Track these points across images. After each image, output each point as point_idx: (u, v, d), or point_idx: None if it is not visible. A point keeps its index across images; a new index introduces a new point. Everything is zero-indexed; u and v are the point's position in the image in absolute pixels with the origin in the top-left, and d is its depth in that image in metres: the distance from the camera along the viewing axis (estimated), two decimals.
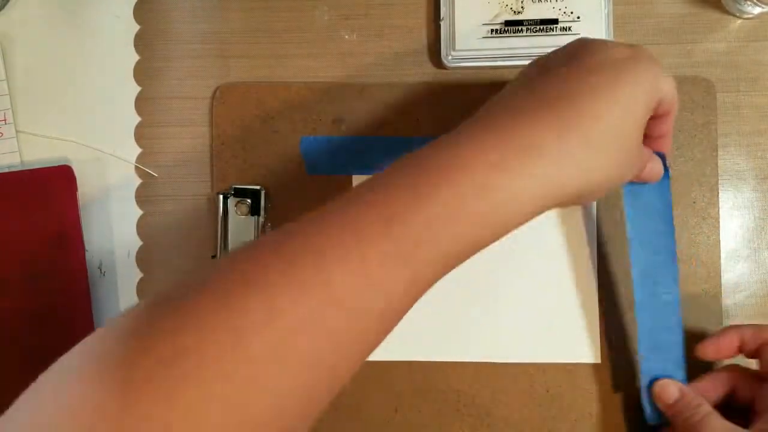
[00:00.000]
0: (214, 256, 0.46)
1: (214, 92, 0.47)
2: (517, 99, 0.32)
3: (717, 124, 0.46)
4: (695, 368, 0.42)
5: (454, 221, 0.28)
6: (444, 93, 0.46)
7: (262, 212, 0.46)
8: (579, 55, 0.33)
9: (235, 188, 0.46)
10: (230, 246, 0.46)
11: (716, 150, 0.46)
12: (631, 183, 0.40)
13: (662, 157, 0.39)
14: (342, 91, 0.46)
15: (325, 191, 0.46)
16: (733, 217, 0.46)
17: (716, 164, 0.46)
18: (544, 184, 0.29)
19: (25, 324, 0.45)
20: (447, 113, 0.46)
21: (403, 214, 0.27)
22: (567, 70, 0.32)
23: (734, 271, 0.45)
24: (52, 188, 0.45)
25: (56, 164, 0.46)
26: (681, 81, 0.46)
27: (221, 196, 0.46)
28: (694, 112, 0.46)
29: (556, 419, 0.45)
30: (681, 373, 0.42)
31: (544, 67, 0.34)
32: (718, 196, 0.45)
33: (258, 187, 0.46)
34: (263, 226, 0.46)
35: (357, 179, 0.46)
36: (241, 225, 0.46)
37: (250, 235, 0.46)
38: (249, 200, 0.46)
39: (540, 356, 0.45)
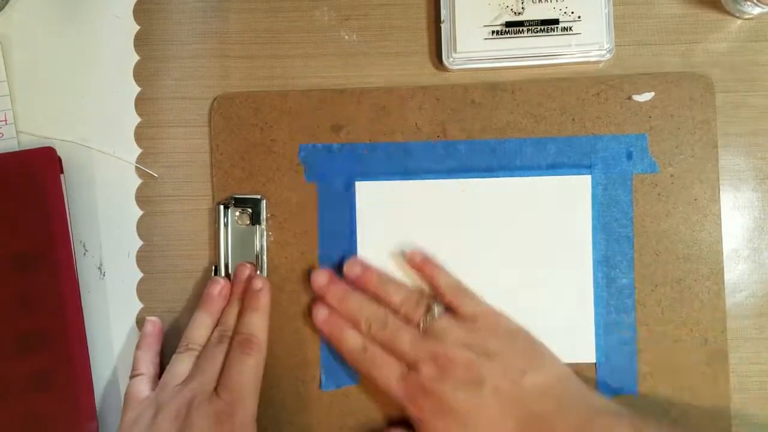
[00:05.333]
0: (215, 267, 0.46)
1: (212, 103, 0.47)
2: None
3: (716, 121, 0.46)
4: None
5: None
6: (443, 96, 0.46)
7: (263, 221, 0.46)
8: None
9: (235, 198, 0.46)
10: (231, 256, 0.46)
11: (716, 147, 0.46)
12: (599, 175, 0.45)
13: None
14: (340, 97, 0.47)
15: (326, 199, 0.46)
16: (733, 218, 0.46)
17: (717, 161, 0.46)
18: None
19: (11, 306, 0.45)
20: (446, 117, 0.46)
21: None
22: None
23: (734, 271, 0.46)
24: (37, 170, 0.45)
25: None
26: (679, 78, 0.46)
27: (221, 207, 0.45)
28: (693, 110, 0.46)
29: None
30: (632, 348, 0.45)
31: None
32: (719, 193, 0.45)
33: (258, 196, 0.46)
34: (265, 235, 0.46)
35: (360, 186, 0.46)
36: (242, 235, 0.46)
37: (251, 244, 0.46)
38: (250, 209, 0.46)
39: None
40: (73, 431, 0.44)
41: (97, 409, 0.45)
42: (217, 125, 0.47)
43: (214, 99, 0.47)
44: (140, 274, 0.47)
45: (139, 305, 0.47)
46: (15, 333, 0.45)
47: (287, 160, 0.46)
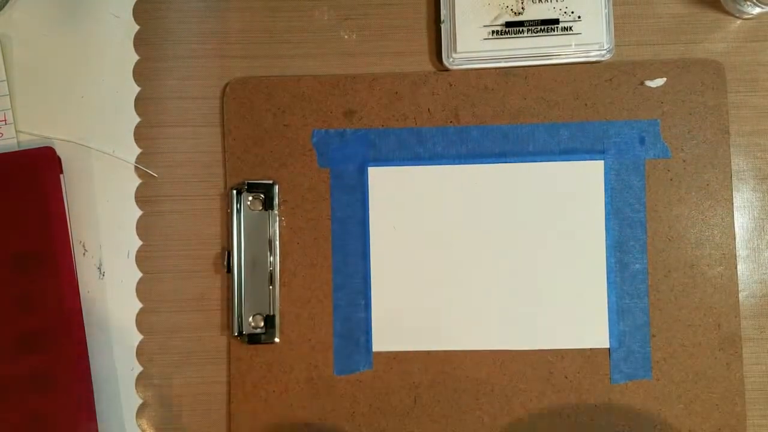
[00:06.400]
0: (228, 252, 0.46)
1: (224, 87, 0.47)
2: None
3: (728, 105, 0.46)
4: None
5: None
6: (456, 82, 0.46)
7: (275, 206, 0.46)
8: None
9: (248, 183, 0.46)
10: (244, 241, 0.46)
11: (728, 132, 0.46)
12: (612, 160, 0.46)
13: None
14: (352, 83, 0.47)
15: (338, 184, 0.46)
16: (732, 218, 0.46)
17: (728, 146, 0.46)
18: None
19: (11, 306, 0.45)
20: (459, 102, 0.46)
21: None
22: None
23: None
24: (36, 170, 0.45)
25: None
26: (690, 64, 0.46)
27: (234, 192, 0.46)
28: (704, 95, 0.46)
29: (576, 406, 0.45)
30: (646, 333, 0.45)
31: None
32: (731, 177, 0.46)
33: (271, 182, 0.46)
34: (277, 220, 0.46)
35: (372, 171, 0.46)
36: (254, 220, 0.46)
37: (264, 230, 0.46)
38: (262, 195, 0.46)
39: (558, 342, 0.45)
40: (73, 431, 0.44)
41: (97, 409, 0.45)
42: (230, 110, 0.47)
43: (227, 84, 0.47)
44: (140, 274, 0.47)
45: (139, 305, 0.47)
46: (15, 333, 0.45)
47: (300, 145, 0.47)
